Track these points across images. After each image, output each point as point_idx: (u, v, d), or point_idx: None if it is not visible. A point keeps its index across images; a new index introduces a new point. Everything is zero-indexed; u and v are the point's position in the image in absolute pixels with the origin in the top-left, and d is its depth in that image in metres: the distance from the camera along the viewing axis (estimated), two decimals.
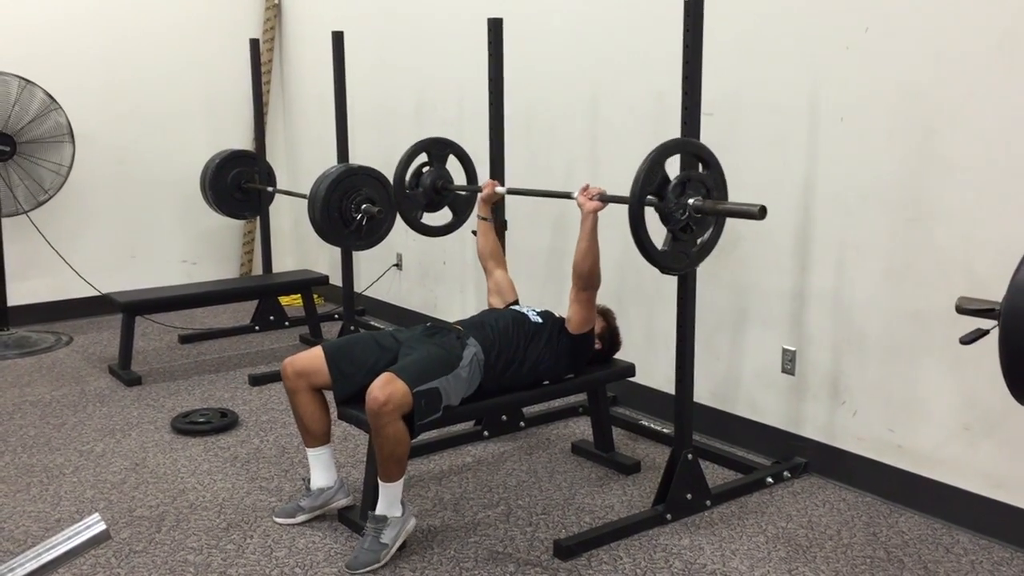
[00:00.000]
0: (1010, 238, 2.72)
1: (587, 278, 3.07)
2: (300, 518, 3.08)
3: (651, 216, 2.69)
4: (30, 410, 4.24)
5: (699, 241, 2.82)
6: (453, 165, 3.94)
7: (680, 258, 2.81)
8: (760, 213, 2.56)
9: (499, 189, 3.59)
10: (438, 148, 3.70)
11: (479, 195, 3.61)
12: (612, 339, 3.44)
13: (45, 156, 5.36)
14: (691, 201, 2.72)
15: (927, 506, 3.11)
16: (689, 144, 2.86)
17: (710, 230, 2.83)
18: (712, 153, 2.83)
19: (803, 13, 3.28)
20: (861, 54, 3.12)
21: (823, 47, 3.23)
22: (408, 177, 3.83)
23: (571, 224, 4.31)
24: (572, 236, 4.29)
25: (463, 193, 3.92)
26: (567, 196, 3.20)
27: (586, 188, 3.06)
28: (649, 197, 2.68)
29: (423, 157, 3.88)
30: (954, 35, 2.86)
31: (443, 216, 4.02)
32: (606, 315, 3.42)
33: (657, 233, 2.74)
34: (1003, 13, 2.74)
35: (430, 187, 3.69)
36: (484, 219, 3.58)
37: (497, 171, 3.83)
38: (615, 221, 4.13)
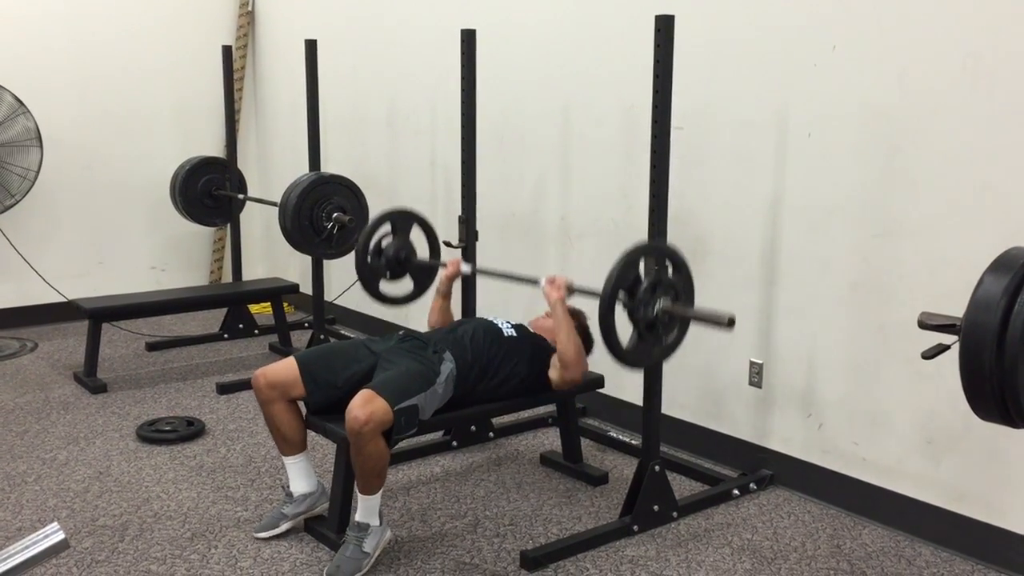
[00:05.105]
0: (972, 254, 2.75)
1: (576, 363, 3.08)
2: (284, 526, 3.05)
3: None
4: None
5: (664, 342, 2.83)
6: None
7: (644, 357, 2.85)
8: (729, 323, 2.60)
9: (464, 268, 3.54)
10: (402, 220, 3.67)
11: (444, 273, 3.54)
12: (584, 339, 3.43)
13: (12, 161, 5.30)
14: (660, 303, 2.74)
15: (890, 519, 3.14)
16: (662, 248, 2.89)
17: (675, 332, 2.85)
18: (683, 258, 2.86)
19: (772, 30, 3.32)
20: (828, 71, 3.16)
21: (792, 63, 3.27)
22: (371, 248, 3.68)
23: (543, 235, 4.33)
24: (543, 248, 4.33)
25: (425, 266, 3.78)
26: (533, 282, 3.20)
27: (553, 280, 3.09)
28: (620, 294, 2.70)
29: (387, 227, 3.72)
30: (919, 55, 2.91)
31: (404, 285, 3.82)
32: (578, 316, 3.39)
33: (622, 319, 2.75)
34: (967, 35, 2.79)
35: (392, 258, 3.65)
36: (443, 297, 3.50)
37: (469, 181, 3.82)
38: (590, 226, 4.15)
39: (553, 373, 3.17)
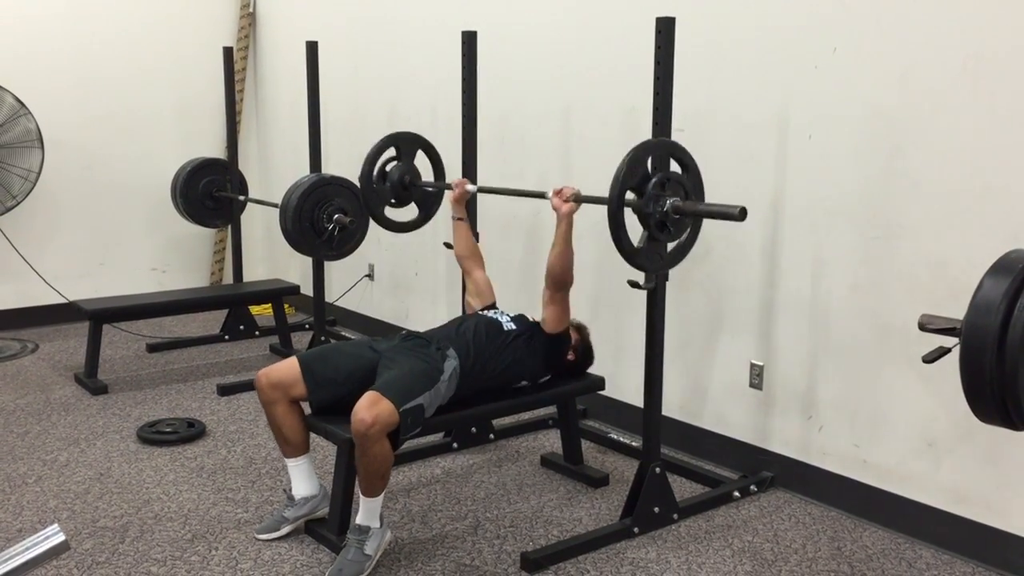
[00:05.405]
0: (973, 256, 2.77)
1: (560, 280, 3.12)
2: (285, 529, 3.05)
3: (629, 219, 2.71)
4: None
5: (674, 243, 2.83)
6: (422, 162, 3.91)
7: (654, 258, 2.81)
8: (740, 215, 2.56)
9: (469, 187, 3.55)
10: (407, 143, 3.65)
11: (451, 196, 3.55)
12: (585, 353, 3.44)
13: (13, 162, 5.30)
14: (670, 200, 2.72)
15: (891, 521, 3.14)
16: (671, 145, 2.87)
17: (686, 233, 2.84)
18: (692, 156, 2.86)
19: (773, 31, 3.32)
20: (829, 73, 3.16)
21: (792, 65, 3.27)
22: (376, 171, 3.73)
23: (544, 230, 4.33)
24: (545, 243, 4.30)
25: (430, 189, 3.84)
26: (541, 196, 3.21)
27: (560, 191, 3.07)
28: (629, 195, 2.68)
29: (392, 152, 3.79)
30: (920, 57, 2.91)
31: (410, 212, 3.94)
32: (580, 330, 3.42)
33: (634, 234, 2.75)
34: (968, 36, 2.79)
35: (397, 182, 3.60)
36: (459, 219, 3.54)
37: (470, 179, 3.82)
38: (589, 229, 4.16)
39: (544, 311, 3.18)
